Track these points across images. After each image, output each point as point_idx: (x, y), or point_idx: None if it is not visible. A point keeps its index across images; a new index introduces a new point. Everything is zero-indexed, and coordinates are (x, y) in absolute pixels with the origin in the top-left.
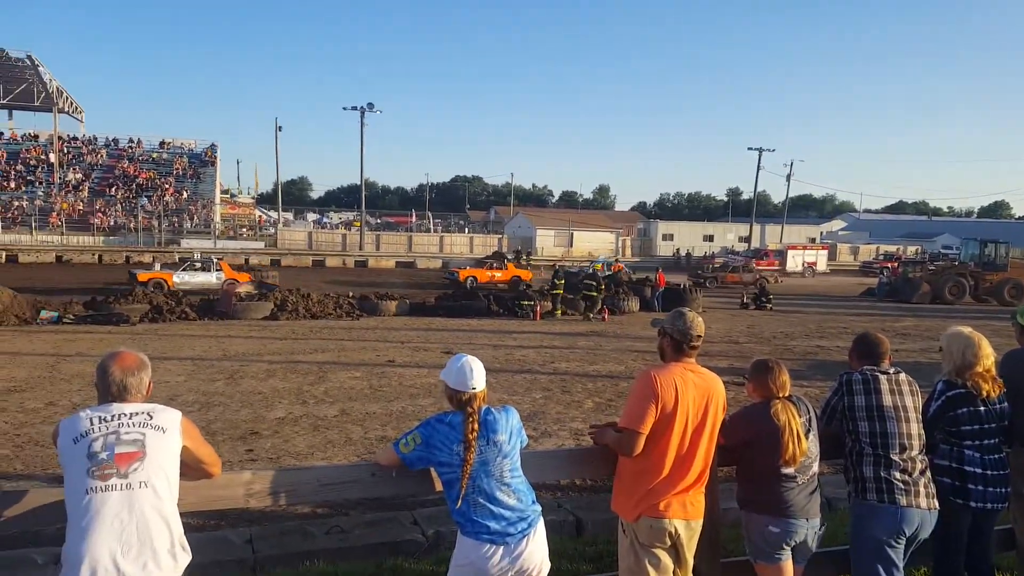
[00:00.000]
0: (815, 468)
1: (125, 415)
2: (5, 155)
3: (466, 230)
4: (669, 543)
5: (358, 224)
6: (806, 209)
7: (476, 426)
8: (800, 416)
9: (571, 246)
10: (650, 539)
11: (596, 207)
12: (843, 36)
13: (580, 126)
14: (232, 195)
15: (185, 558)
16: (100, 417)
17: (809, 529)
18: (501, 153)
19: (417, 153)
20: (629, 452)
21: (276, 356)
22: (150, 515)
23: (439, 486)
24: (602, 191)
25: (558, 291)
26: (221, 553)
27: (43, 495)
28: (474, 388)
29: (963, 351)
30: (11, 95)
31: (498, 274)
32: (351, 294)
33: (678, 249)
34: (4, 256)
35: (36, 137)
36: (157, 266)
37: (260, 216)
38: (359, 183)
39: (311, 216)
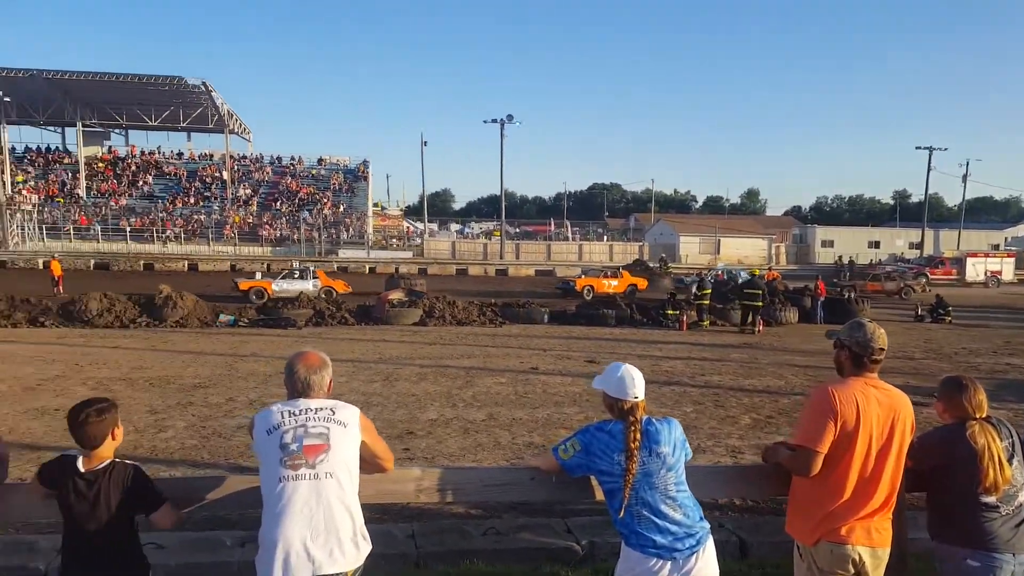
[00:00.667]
0: (1021, 499)
1: (311, 410)
2: (185, 173)
3: (605, 238)
4: (852, 571)
5: (498, 233)
6: (986, 213)
7: (638, 436)
8: (1001, 440)
9: (718, 253)
10: (831, 565)
11: (744, 212)
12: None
13: (724, 127)
14: (382, 208)
15: (366, 547)
16: (290, 411)
17: (1017, 566)
18: (640, 159)
19: (555, 162)
20: (805, 472)
21: (426, 360)
22: (335, 504)
23: (599, 495)
24: (751, 195)
25: (704, 300)
26: (386, 546)
27: (240, 481)
28: (636, 397)
29: None
30: (189, 119)
31: (614, 282)
32: (494, 302)
33: (840, 257)
34: (186, 265)
35: (211, 156)
36: (258, 275)
37: (408, 227)
38: (498, 194)
39: (454, 226)
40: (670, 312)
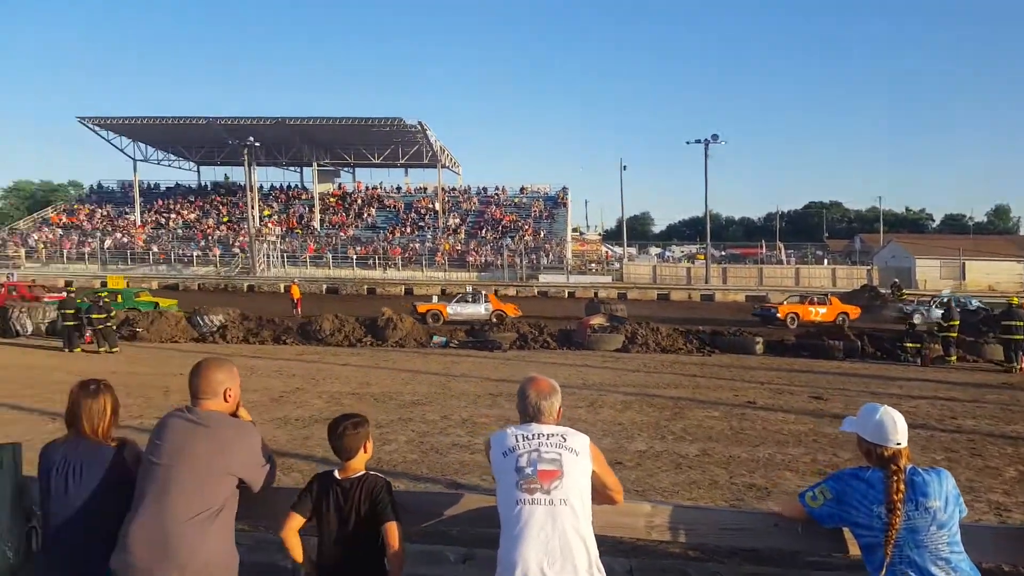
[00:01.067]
0: None
1: (543, 435)
2: (403, 205)
3: (825, 261)
4: None
5: (702, 257)
6: None
7: (902, 487)
8: None
9: (963, 278)
10: None
11: (992, 231)
12: None
13: (965, 137)
14: (581, 233)
15: None
16: (523, 435)
17: None
18: (863, 174)
19: (764, 181)
20: None
21: (631, 388)
22: (570, 532)
23: (854, 549)
24: (1000, 213)
25: (951, 333)
26: None
27: (476, 500)
28: (898, 444)
29: None
30: (406, 156)
31: (822, 309)
32: (701, 329)
33: None
34: (403, 289)
35: (424, 189)
36: (434, 299)
37: (606, 252)
38: (701, 215)
39: (653, 250)
40: (909, 345)
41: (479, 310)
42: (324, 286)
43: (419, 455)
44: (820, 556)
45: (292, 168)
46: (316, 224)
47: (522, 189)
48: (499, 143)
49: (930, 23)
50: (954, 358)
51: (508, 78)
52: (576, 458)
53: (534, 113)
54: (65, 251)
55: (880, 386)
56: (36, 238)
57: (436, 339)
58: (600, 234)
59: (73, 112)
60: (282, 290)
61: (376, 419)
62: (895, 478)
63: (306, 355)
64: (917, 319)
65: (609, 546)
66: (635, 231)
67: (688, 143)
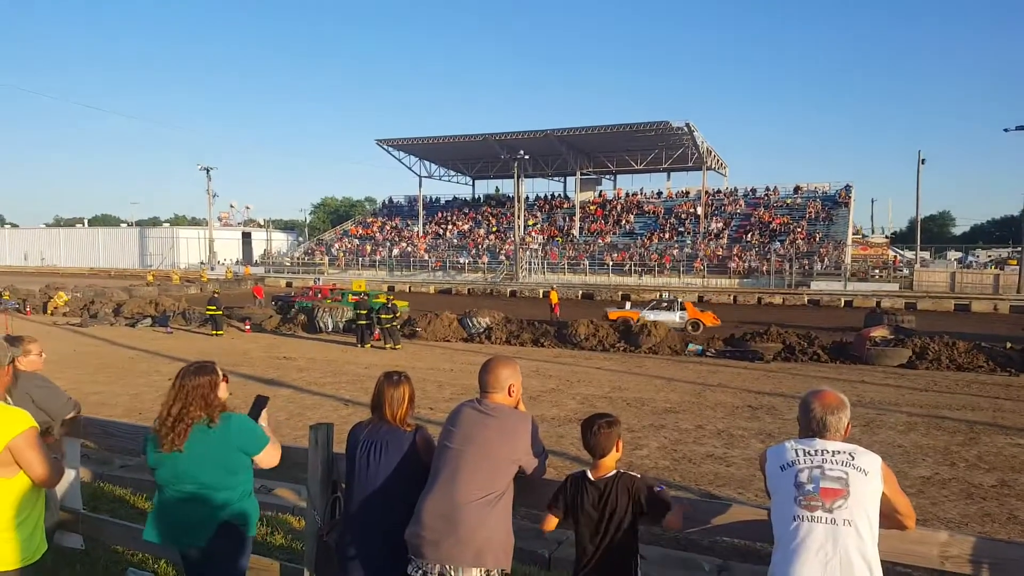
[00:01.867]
0: None
1: (828, 452)
2: (663, 210)
3: None
4: None
5: (1014, 262)
6: None
7: None
8: None
9: None
10: None
11: None
12: None
13: None
14: (863, 235)
15: None
16: (804, 450)
17: None
18: None
19: None
20: None
21: (916, 408)
22: (853, 555)
23: None
24: None
25: None
26: None
27: (745, 512)
28: None
29: None
30: (670, 159)
31: None
32: (1010, 345)
33: None
34: (658, 295)
35: (687, 193)
36: (628, 305)
37: (894, 256)
38: (1016, 214)
39: (952, 254)
40: None
41: (673, 318)
42: (580, 292)
43: (671, 463)
44: None
45: (556, 178)
46: (576, 232)
47: (796, 189)
48: (773, 141)
49: None
50: None
51: (782, 70)
52: (865, 478)
53: (814, 105)
54: (360, 259)
55: None
56: (337, 248)
57: (691, 347)
58: (888, 236)
59: (372, 136)
60: (541, 295)
61: (628, 424)
62: None
63: (562, 357)
64: None
65: (887, 572)
66: (931, 232)
67: (1007, 130)
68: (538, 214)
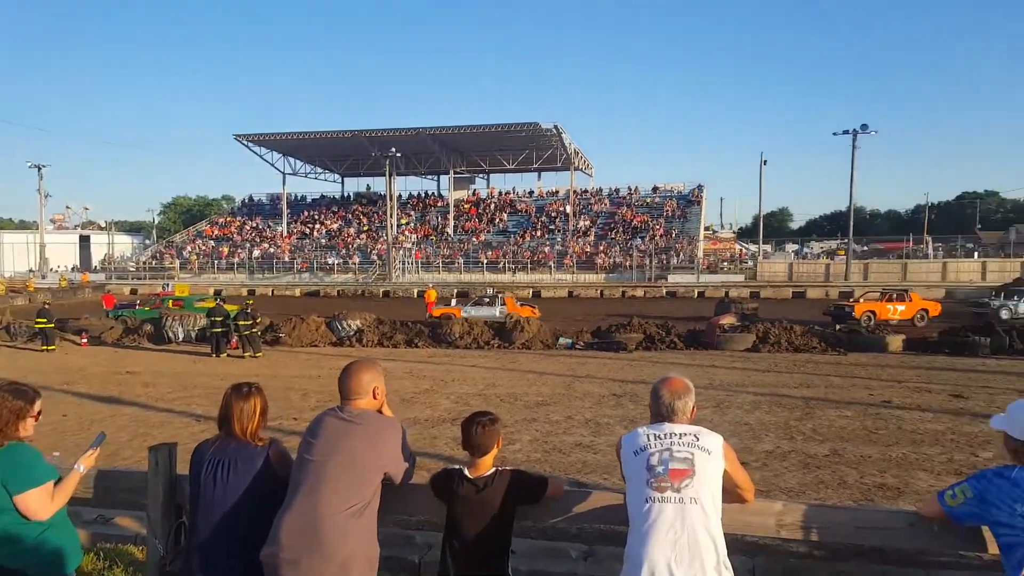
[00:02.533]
0: None
1: (675, 434)
2: (534, 209)
3: (975, 254)
4: None
5: (842, 253)
6: None
7: None
8: None
9: None
10: None
11: None
12: None
13: None
14: (714, 231)
15: None
16: (655, 434)
17: None
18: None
19: (912, 171)
20: None
21: (760, 388)
22: (699, 530)
23: (992, 548)
24: None
25: None
26: None
27: (604, 498)
28: None
29: None
30: (541, 159)
31: (901, 307)
32: (839, 327)
33: None
34: (531, 292)
35: (556, 193)
36: (453, 302)
37: (740, 250)
38: (844, 209)
39: (790, 247)
40: None
41: (493, 313)
42: (455, 290)
43: (542, 454)
44: (949, 556)
45: (430, 176)
46: (450, 231)
47: (655, 188)
48: (634, 142)
49: None
50: None
51: (642, 76)
52: (708, 457)
53: (670, 110)
54: (216, 262)
55: None
56: (190, 250)
57: (562, 341)
58: (735, 232)
59: (231, 131)
60: (415, 295)
61: (501, 419)
62: None
63: (436, 357)
64: (1004, 314)
65: (730, 544)
66: (772, 227)
67: (835, 134)
68: (411, 213)
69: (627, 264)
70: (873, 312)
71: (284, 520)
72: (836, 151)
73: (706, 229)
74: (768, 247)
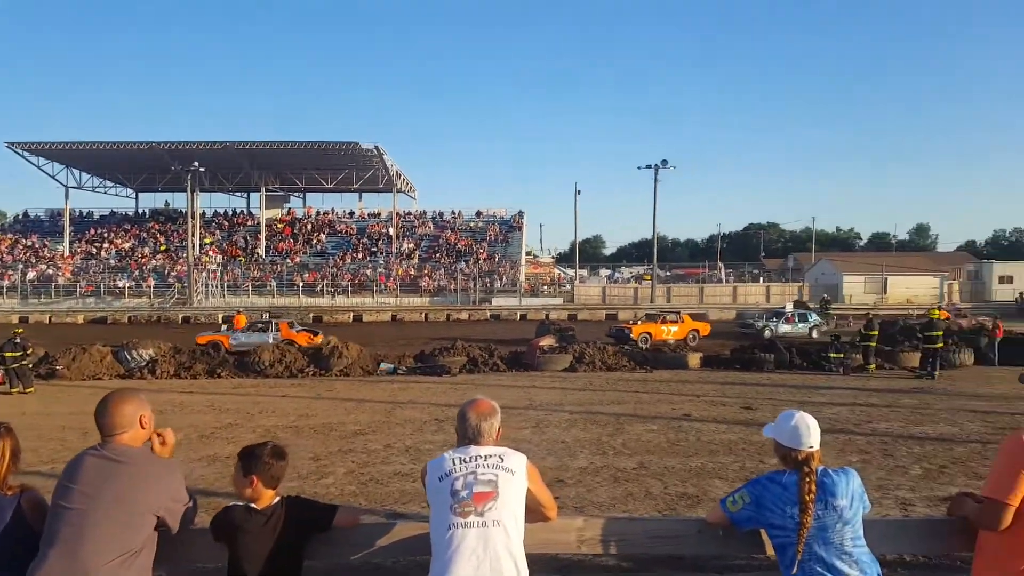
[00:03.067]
0: None
1: (481, 457)
2: (355, 231)
3: (761, 279)
4: None
5: (648, 278)
6: None
7: (813, 488)
8: None
9: (885, 292)
10: None
11: (913, 249)
12: None
13: (889, 160)
14: (535, 255)
15: None
16: (461, 458)
17: None
18: (798, 197)
19: (708, 204)
20: (993, 526)
21: (576, 407)
22: (502, 553)
23: (769, 549)
24: (920, 231)
25: (871, 343)
26: None
27: (408, 528)
28: (811, 447)
29: None
30: (361, 180)
31: (674, 328)
32: (644, 347)
33: (1021, 294)
34: (351, 316)
35: (379, 214)
36: (223, 328)
37: (559, 274)
38: (649, 238)
39: (604, 272)
40: (832, 356)
41: (266, 339)
42: (266, 315)
43: (358, 486)
44: (742, 559)
45: (239, 194)
46: (261, 251)
47: (478, 213)
48: (458, 168)
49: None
50: (873, 366)
51: (467, 102)
52: (512, 478)
53: (494, 138)
54: None
55: (806, 395)
56: None
57: (383, 366)
58: (554, 257)
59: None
60: (221, 321)
61: (314, 451)
62: (807, 480)
63: (242, 388)
64: (767, 333)
65: (544, 564)
66: (587, 253)
67: (639, 168)
68: (217, 232)
69: (452, 287)
70: (649, 333)
71: None
72: (645, 184)
73: (527, 254)
74: (584, 272)
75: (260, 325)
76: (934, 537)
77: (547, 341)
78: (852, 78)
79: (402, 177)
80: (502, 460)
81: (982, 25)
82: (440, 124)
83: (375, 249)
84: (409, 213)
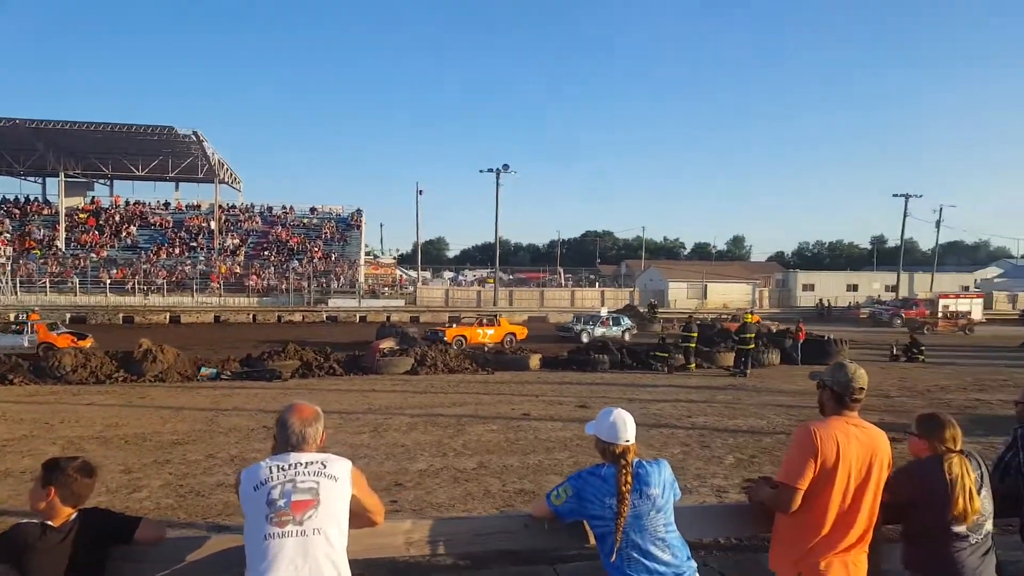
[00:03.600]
0: (989, 527)
1: (301, 464)
2: (171, 223)
3: (596, 284)
4: None
5: (492, 281)
6: (957, 256)
7: (629, 479)
8: (973, 471)
9: (705, 298)
10: None
11: (731, 258)
12: (991, 76)
13: (713, 175)
14: (375, 256)
15: None
16: (279, 466)
17: None
18: (632, 207)
19: (550, 210)
20: (785, 508)
21: (417, 409)
22: (323, 562)
23: (592, 539)
24: (736, 242)
25: (691, 344)
26: None
27: (222, 541)
28: (627, 440)
29: None
30: (178, 168)
31: (490, 331)
32: (487, 348)
33: (820, 300)
34: (168, 317)
35: (199, 207)
36: None
37: (401, 275)
38: (493, 241)
39: (447, 274)
40: (658, 355)
41: (20, 342)
42: (68, 315)
43: (176, 500)
44: (574, 550)
45: (32, 179)
46: (60, 244)
47: (313, 210)
48: (290, 163)
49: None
50: (693, 365)
51: (302, 98)
52: (335, 484)
53: (330, 135)
54: None
55: (635, 393)
56: None
57: (205, 371)
58: (395, 257)
59: None
60: (13, 320)
61: (126, 463)
62: (624, 471)
63: (39, 396)
64: (584, 337)
65: (381, 567)
66: (430, 255)
67: (481, 171)
68: (6, 220)
69: (283, 287)
70: (464, 336)
71: None
72: (489, 188)
73: (367, 254)
74: (427, 274)
75: (14, 326)
76: (738, 521)
77: (387, 344)
78: (679, 97)
79: (225, 167)
80: (324, 466)
81: (794, 47)
82: (274, 115)
83: (195, 244)
84: (234, 206)
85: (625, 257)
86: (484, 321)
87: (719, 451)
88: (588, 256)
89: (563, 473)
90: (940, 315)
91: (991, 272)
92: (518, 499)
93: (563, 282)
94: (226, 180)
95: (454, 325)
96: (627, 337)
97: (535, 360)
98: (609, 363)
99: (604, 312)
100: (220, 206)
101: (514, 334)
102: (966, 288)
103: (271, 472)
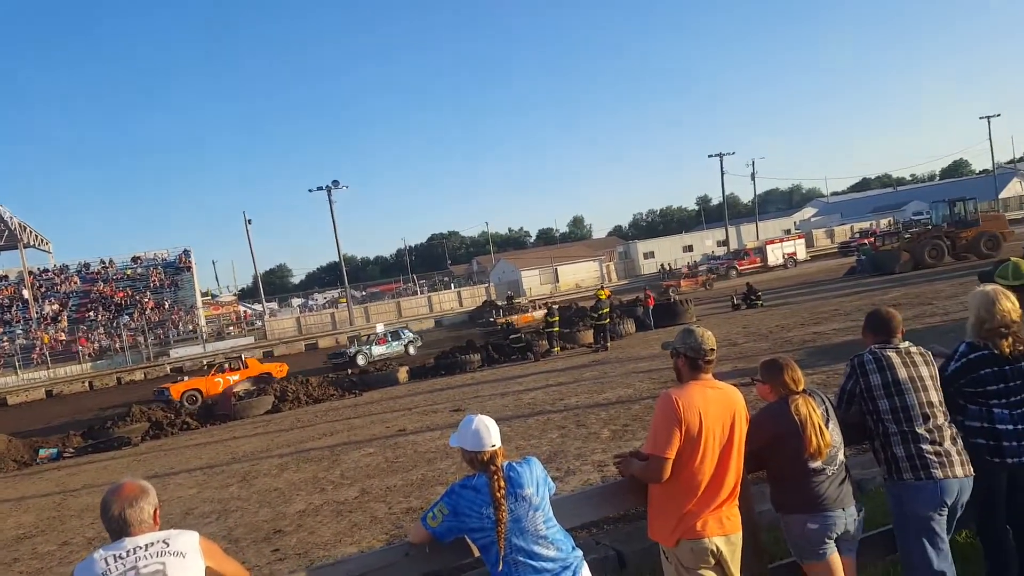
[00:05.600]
0: (841, 457)
1: (140, 547)
2: None
3: (451, 286)
4: (713, 562)
5: (344, 300)
6: (775, 203)
7: (502, 484)
8: (818, 408)
9: (557, 281)
10: (694, 561)
11: (574, 239)
12: (780, 26)
13: (545, 161)
14: (213, 296)
15: None
16: (115, 555)
17: (847, 518)
18: (473, 204)
19: (390, 220)
20: (657, 478)
21: (286, 448)
22: None
23: (477, 552)
24: (577, 222)
25: (553, 328)
26: None
27: None
28: (493, 446)
29: (978, 309)
30: None
31: (234, 377)
32: (350, 372)
33: (662, 264)
34: None
35: (5, 277)
36: None
37: (245, 311)
38: (338, 260)
39: (296, 301)
40: (514, 346)
41: None
42: None
43: None
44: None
45: None
46: None
47: (135, 259)
48: (102, 215)
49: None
50: (557, 348)
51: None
52: (183, 561)
53: (141, 177)
54: None
55: (506, 386)
56: None
57: (44, 452)
58: (235, 294)
59: None
60: None
61: None
62: (495, 478)
63: None
64: (361, 360)
65: None
66: (274, 285)
67: (311, 191)
68: None
69: (117, 346)
70: (198, 390)
71: None
72: (323, 207)
73: (204, 295)
74: (273, 305)
75: None
76: (615, 499)
77: (242, 386)
78: (505, 89)
79: (28, 230)
80: (168, 544)
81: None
82: (72, 172)
83: (9, 317)
84: (46, 270)
85: (475, 254)
86: (227, 366)
87: (594, 427)
88: (438, 259)
89: (449, 483)
90: (683, 275)
91: (808, 212)
92: (407, 519)
93: (418, 289)
94: (32, 243)
95: (184, 379)
96: (412, 350)
97: (403, 373)
98: (481, 361)
99: (380, 329)
100: (30, 272)
101: (269, 373)
102: (788, 231)
103: (107, 564)
